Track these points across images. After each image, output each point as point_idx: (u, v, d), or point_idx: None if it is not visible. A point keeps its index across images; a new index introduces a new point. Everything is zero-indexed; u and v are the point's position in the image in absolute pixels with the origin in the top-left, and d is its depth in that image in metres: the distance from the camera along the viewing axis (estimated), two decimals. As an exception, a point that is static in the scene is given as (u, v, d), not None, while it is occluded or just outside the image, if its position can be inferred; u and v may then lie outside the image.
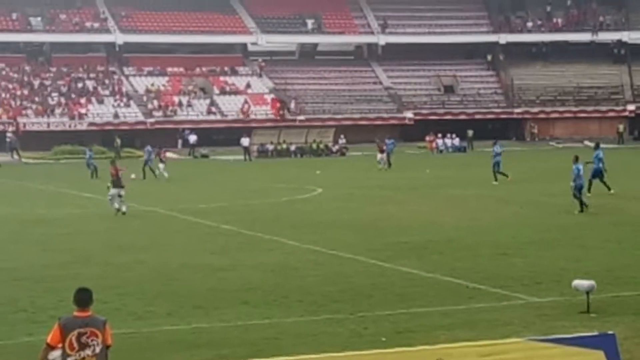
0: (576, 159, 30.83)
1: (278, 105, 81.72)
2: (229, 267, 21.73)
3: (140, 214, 33.19)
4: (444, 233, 26.58)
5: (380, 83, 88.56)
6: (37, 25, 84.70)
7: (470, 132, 78.36)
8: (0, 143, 68.34)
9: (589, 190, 33.92)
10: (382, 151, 54.86)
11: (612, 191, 35.18)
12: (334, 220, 30.09)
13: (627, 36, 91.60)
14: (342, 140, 74.71)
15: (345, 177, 46.31)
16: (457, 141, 76.45)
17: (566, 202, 31.36)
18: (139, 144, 74.60)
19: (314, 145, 73.17)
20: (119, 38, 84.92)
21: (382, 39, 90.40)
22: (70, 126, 76.26)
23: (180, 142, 76.29)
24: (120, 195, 32.38)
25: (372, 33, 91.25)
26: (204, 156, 71.04)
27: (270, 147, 72.64)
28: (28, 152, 69.44)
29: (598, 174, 35.18)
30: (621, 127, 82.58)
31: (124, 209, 32.08)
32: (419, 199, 36.98)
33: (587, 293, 16.26)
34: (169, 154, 71.35)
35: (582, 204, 30.41)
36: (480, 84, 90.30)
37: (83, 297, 10.05)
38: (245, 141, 69.12)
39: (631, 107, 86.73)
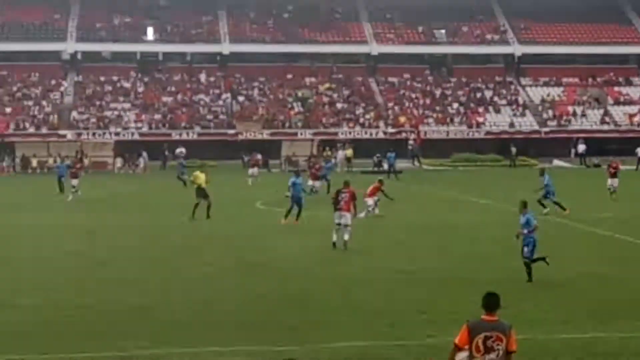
0: (524, 206, 22.06)
1: None
2: (622, 277, 21.72)
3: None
4: None
5: None
6: (440, 38, 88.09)
7: None
8: (402, 150, 71.34)
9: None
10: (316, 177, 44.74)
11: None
12: None
13: None
14: None
15: None
16: None
17: None
18: (533, 153, 75.32)
19: None
20: (517, 50, 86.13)
21: None
22: (468, 134, 78.60)
23: (573, 151, 76.01)
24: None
25: None
26: (596, 166, 70.13)
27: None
28: (428, 159, 72.59)
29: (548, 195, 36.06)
30: None
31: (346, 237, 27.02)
32: None
33: None
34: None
35: (530, 273, 21.51)
36: None
37: (491, 302, 10.33)
38: (641, 151, 67.24)
39: None
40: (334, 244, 26.77)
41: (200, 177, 36.41)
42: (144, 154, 70.37)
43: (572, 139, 77.26)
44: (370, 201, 35.72)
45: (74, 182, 45.10)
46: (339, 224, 27.00)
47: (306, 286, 21.27)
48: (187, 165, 54.21)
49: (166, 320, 17.61)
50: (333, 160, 60.98)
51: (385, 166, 62.71)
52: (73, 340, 16.14)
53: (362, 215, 32.77)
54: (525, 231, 21.33)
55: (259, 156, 64.22)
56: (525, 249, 21.30)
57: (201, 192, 35.90)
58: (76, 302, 19.39)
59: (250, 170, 55.69)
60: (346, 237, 26.72)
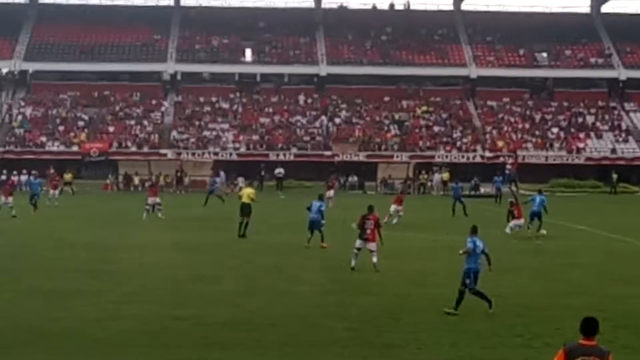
0: (472, 231, 20.81)
1: None
2: None
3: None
4: None
5: None
6: (542, 61, 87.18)
7: None
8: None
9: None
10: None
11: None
12: None
13: None
14: None
15: None
16: None
17: None
18: (636, 180, 73.83)
19: None
20: (622, 74, 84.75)
21: None
22: (567, 160, 77.43)
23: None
24: None
25: None
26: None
27: None
28: (525, 184, 71.60)
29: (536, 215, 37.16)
30: None
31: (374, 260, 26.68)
32: None
33: None
34: None
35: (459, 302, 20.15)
36: None
37: (590, 326, 10.42)
38: None
39: None
40: (352, 268, 26.33)
41: (244, 192, 35.67)
42: (222, 174, 68.65)
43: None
44: (521, 221, 36.97)
45: (151, 200, 44.32)
46: (359, 249, 26.51)
47: (400, 305, 21.22)
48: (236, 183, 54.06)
49: (261, 335, 17.73)
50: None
51: (483, 190, 61.88)
52: (167, 350, 16.43)
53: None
54: (461, 252, 20.39)
55: (336, 179, 64.23)
56: (467, 280, 20.04)
57: (244, 208, 34.79)
58: (174, 314, 19.70)
59: (327, 193, 54.50)
60: (374, 259, 26.31)
